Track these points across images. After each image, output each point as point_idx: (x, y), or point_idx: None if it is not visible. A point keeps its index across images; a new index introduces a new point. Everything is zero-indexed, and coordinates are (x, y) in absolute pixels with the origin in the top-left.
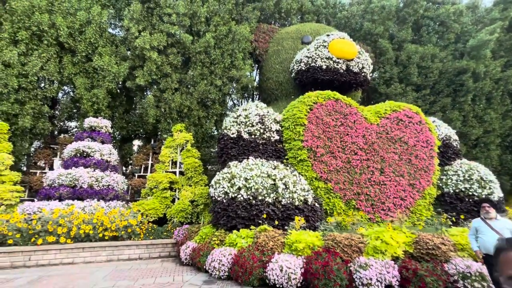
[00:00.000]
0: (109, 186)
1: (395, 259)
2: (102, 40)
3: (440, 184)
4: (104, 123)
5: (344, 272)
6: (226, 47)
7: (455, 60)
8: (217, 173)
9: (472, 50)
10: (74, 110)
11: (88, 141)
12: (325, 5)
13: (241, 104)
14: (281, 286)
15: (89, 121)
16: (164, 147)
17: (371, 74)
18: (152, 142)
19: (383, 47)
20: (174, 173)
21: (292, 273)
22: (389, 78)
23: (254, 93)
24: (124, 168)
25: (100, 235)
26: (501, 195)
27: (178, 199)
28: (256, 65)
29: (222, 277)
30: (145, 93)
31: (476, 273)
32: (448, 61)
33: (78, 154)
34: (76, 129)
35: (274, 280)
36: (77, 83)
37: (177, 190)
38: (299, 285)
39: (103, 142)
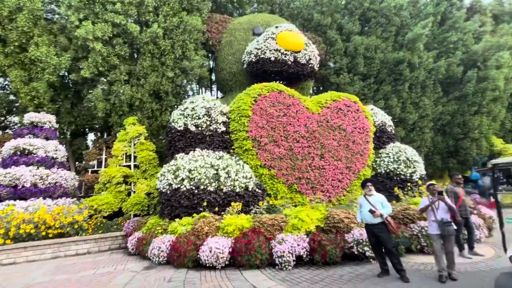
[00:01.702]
0: (57, 184)
1: (309, 233)
2: (37, 28)
3: (375, 166)
4: (47, 118)
5: (265, 248)
6: (177, 37)
7: (395, 51)
8: (163, 165)
9: (409, 42)
10: (16, 105)
11: (30, 137)
12: None
13: (204, 91)
14: (211, 265)
15: (30, 117)
16: (117, 141)
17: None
18: (105, 136)
19: (332, 38)
20: (129, 166)
21: (220, 252)
22: (339, 68)
23: (212, 84)
24: (77, 164)
25: (43, 233)
26: (423, 173)
27: (134, 192)
28: (212, 56)
29: (162, 262)
30: (93, 86)
31: (366, 240)
32: (389, 52)
33: (19, 152)
34: (17, 125)
35: (205, 260)
36: (12, 76)
37: (132, 184)
38: (227, 262)
39: (47, 139)
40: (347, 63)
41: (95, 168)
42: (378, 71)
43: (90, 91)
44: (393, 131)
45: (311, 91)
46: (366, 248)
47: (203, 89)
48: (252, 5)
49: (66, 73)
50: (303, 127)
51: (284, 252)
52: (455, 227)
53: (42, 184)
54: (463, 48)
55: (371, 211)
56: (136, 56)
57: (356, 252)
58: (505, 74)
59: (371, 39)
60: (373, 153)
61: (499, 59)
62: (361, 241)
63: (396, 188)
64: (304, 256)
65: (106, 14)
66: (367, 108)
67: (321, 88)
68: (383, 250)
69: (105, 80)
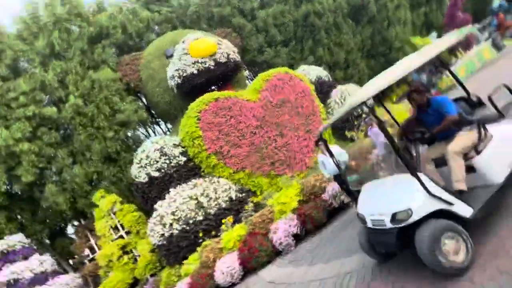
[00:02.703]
0: None
1: (295, 210)
2: None
3: (330, 116)
4: (15, 239)
5: (265, 244)
6: (97, 98)
7: (297, 8)
8: (148, 221)
9: None
10: None
11: (7, 266)
12: (171, 10)
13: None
14: (231, 283)
15: None
16: (97, 221)
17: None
18: (83, 222)
19: (239, 23)
20: (121, 237)
21: (231, 269)
22: (260, 46)
23: (156, 119)
24: (71, 261)
25: None
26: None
27: (139, 256)
28: (140, 95)
29: None
30: (42, 184)
31: (340, 190)
32: (294, 11)
33: (6, 286)
34: None
35: (223, 283)
36: None
37: (133, 249)
38: (242, 273)
39: (26, 258)
40: (264, 38)
41: (91, 256)
42: (294, 32)
43: (41, 191)
44: (330, 79)
45: (247, 81)
46: (342, 197)
47: (153, 126)
48: (153, 30)
49: (7, 187)
50: (253, 118)
51: (281, 239)
52: None
53: None
54: None
55: (336, 164)
56: (69, 134)
57: (336, 205)
58: None
59: (273, 8)
60: (323, 107)
61: None
62: (335, 194)
63: (346, 132)
64: (299, 232)
65: (14, 113)
66: (298, 72)
67: (256, 73)
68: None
69: (52, 171)
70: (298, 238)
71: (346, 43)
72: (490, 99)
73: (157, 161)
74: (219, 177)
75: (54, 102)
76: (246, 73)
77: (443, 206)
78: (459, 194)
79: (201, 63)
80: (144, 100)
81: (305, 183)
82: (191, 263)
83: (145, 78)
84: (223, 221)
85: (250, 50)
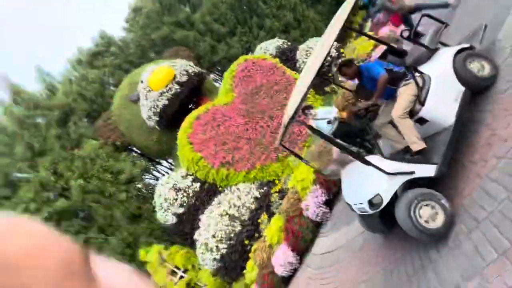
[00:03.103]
0: None
1: (314, 180)
2: None
3: None
4: None
5: (304, 223)
6: (95, 170)
7: None
8: (196, 253)
9: None
10: None
11: None
12: (115, 57)
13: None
14: (293, 271)
15: None
16: (154, 276)
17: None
18: None
19: (182, 37)
20: (182, 277)
21: (287, 259)
22: (211, 47)
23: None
24: None
25: None
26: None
27: (206, 285)
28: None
29: None
30: None
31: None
32: None
33: None
34: None
35: (287, 273)
36: None
37: (197, 283)
38: (298, 258)
39: None
40: (211, 38)
41: None
42: (236, 17)
43: None
44: (289, 43)
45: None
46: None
47: (156, 167)
48: (109, 83)
49: None
50: (238, 117)
51: (315, 211)
52: None
53: None
54: None
55: (329, 122)
56: (88, 213)
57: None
58: None
59: (205, 5)
60: (295, 73)
61: None
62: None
63: (326, 88)
64: (328, 197)
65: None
66: (256, 53)
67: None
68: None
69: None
70: (330, 204)
71: (287, 2)
72: (413, 39)
73: (176, 199)
74: (236, 184)
75: (60, 193)
76: (212, 76)
77: (406, 178)
78: (420, 154)
79: (167, 91)
80: (135, 149)
81: (311, 153)
82: (251, 270)
83: (126, 131)
84: (259, 221)
85: (204, 55)
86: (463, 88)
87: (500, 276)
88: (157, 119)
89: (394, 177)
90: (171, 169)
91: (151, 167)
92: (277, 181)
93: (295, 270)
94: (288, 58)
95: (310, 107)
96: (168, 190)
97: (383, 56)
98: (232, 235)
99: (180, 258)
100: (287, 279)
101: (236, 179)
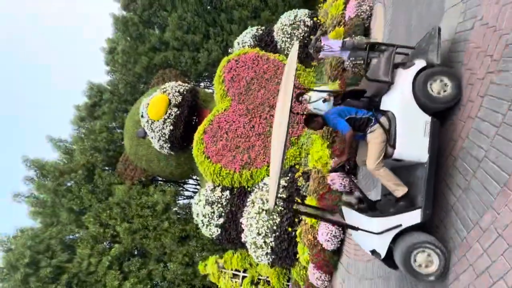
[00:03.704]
0: None
1: (331, 154)
2: None
3: None
4: None
5: (335, 197)
6: (133, 210)
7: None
8: (249, 253)
9: None
10: None
11: None
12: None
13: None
14: (338, 242)
15: None
16: (219, 285)
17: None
18: None
19: (161, 60)
20: (244, 277)
21: (331, 234)
22: (192, 59)
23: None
24: None
25: None
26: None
27: (267, 277)
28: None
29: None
30: None
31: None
32: (186, 7)
33: None
34: None
35: (334, 246)
36: None
37: (259, 278)
38: (341, 230)
39: None
40: (188, 50)
41: None
42: (204, 20)
43: None
44: (263, 28)
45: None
46: None
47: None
48: (114, 128)
49: None
50: (241, 118)
51: (341, 183)
52: None
53: None
54: None
55: (324, 100)
56: (143, 251)
57: None
58: None
59: (170, 20)
60: (279, 55)
61: None
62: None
63: (312, 63)
64: (348, 166)
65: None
66: (235, 50)
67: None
68: None
69: (160, 283)
70: (352, 172)
71: None
72: (367, 77)
73: (213, 212)
74: (262, 180)
75: (112, 241)
76: (202, 86)
77: (395, 231)
78: (404, 197)
79: (168, 117)
80: (160, 179)
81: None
82: (303, 253)
83: (145, 166)
84: (294, 207)
85: (188, 69)
86: (429, 118)
87: (507, 205)
88: (169, 145)
89: (384, 234)
90: (198, 184)
91: (180, 189)
92: (297, 166)
93: (341, 241)
94: (267, 43)
95: (302, 94)
96: (203, 206)
97: (344, 98)
98: (274, 227)
99: (236, 261)
100: (337, 251)
101: (260, 176)
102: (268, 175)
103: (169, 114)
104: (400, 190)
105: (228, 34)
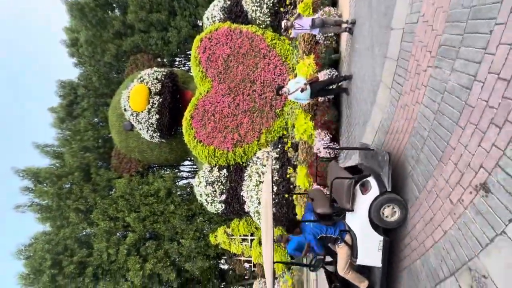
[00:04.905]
0: None
1: (314, 126)
2: None
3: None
4: None
5: (323, 164)
6: (137, 200)
7: None
8: (255, 220)
9: None
10: None
11: None
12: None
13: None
14: None
15: None
16: (231, 250)
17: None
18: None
19: (131, 45)
20: (252, 239)
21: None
22: (162, 39)
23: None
24: None
25: None
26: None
27: None
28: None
29: None
30: None
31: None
32: None
33: None
34: None
35: None
36: None
37: None
38: None
39: None
40: (156, 31)
41: (253, 268)
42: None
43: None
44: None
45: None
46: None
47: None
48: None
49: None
50: (225, 97)
51: (326, 150)
52: None
53: None
54: None
55: (302, 90)
56: (155, 234)
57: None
58: None
59: (131, 3)
60: (251, 26)
61: None
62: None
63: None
64: (330, 135)
65: (112, 269)
66: (206, 26)
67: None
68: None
69: (178, 258)
70: (335, 139)
71: None
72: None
73: (214, 191)
74: (254, 154)
75: (125, 231)
76: (177, 64)
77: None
78: None
79: (152, 106)
80: (157, 166)
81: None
82: (301, 213)
83: (139, 156)
84: (287, 176)
85: (160, 51)
86: (381, 237)
87: (441, 174)
88: (159, 134)
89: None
90: (194, 165)
91: (177, 171)
92: (285, 139)
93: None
94: (237, 14)
95: (281, 87)
96: (204, 187)
97: (318, 219)
98: (273, 195)
99: (242, 228)
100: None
101: (252, 151)
102: (261, 148)
103: (152, 103)
104: (363, 284)
105: (194, 7)
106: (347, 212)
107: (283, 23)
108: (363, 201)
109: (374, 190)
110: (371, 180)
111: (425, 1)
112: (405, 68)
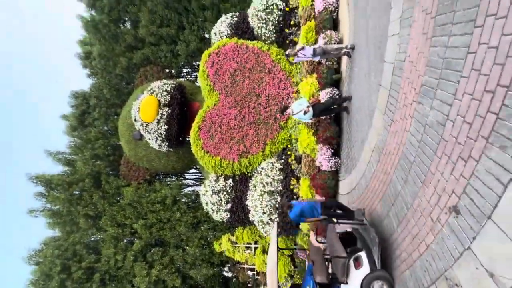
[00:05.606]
0: None
1: (317, 141)
2: None
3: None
4: None
5: (324, 176)
6: (144, 207)
7: None
8: (259, 230)
9: None
10: None
11: None
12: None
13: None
14: None
15: None
16: (236, 258)
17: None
18: (228, 268)
19: (141, 58)
20: (256, 248)
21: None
22: (171, 52)
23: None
24: None
25: None
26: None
27: None
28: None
29: None
30: None
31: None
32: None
33: None
34: None
35: None
36: None
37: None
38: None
39: None
40: (165, 44)
41: (256, 276)
42: (176, 11)
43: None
44: (237, 14)
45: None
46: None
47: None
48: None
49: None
50: (231, 110)
51: (328, 164)
52: None
53: None
54: None
55: (305, 112)
56: (161, 241)
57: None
58: None
59: (142, 16)
60: (257, 42)
61: None
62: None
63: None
64: (332, 150)
65: (120, 273)
66: (214, 41)
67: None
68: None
69: (183, 265)
70: (337, 153)
71: None
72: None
73: (220, 199)
74: (259, 164)
75: (132, 237)
76: (185, 74)
77: None
78: None
79: (161, 117)
80: (164, 174)
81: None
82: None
83: (147, 165)
84: (291, 187)
85: (169, 63)
86: None
87: (424, 196)
88: (167, 143)
89: None
90: (200, 173)
91: (182, 179)
92: (289, 152)
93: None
94: (243, 30)
95: (286, 108)
96: (210, 196)
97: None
98: (277, 205)
99: (246, 236)
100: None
101: (257, 161)
102: (265, 159)
103: (161, 114)
104: None
105: (202, 21)
106: (341, 285)
107: (287, 52)
108: (356, 276)
109: (365, 267)
110: (363, 256)
111: (410, 44)
112: (395, 98)
